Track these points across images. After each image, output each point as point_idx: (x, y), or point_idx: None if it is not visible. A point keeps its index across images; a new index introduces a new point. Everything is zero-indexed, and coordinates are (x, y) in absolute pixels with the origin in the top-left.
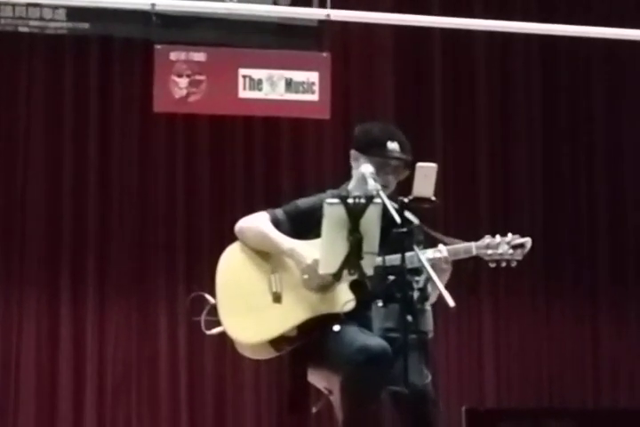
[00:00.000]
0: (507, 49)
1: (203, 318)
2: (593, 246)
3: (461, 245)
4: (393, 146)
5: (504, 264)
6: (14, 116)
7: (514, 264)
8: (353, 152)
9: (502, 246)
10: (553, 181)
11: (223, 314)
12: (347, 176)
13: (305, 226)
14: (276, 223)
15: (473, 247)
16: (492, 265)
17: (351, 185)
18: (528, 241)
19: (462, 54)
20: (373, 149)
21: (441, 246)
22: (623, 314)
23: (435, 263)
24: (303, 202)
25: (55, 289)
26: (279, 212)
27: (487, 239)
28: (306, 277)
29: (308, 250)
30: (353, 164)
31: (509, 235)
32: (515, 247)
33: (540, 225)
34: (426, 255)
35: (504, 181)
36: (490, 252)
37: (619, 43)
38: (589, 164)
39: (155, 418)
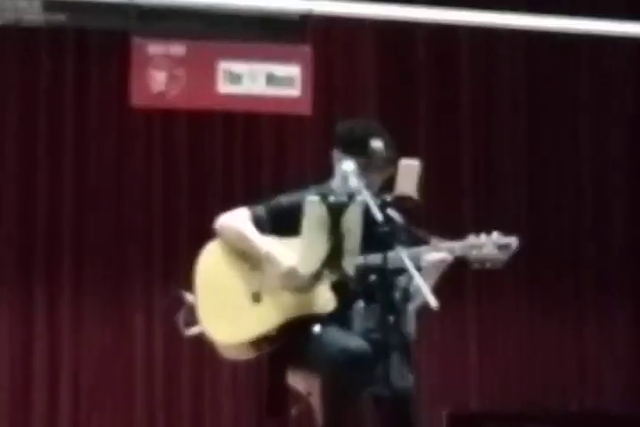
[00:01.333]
0: (492, 46)
1: (181, 318)
2: (578, 248)
3: (444, 246)
4: (376, 144)
5: (488, 265)
6: None
7: (499, 266)
8: (335, 152)
9: (487, 247)
10: (538, 181)
11: (202, 314)
12: (328, 172)
13: (286, 223)
14: (257, 220)
15: (456, 248)
16: (477, 266)
17: (333, 183)
18: (513, 241)
19: (447, 50)
20: (356, 149)
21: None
22: (607, 317)
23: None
24: (285, 199)
25: (29, 289)
26: (260, 209)
27: (471, 239)
28: (279, 282)
29: (285, 253)
30: (335, 163)
31: (495, 233)
32: (500, 248)
33: (525, 226)
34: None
35: (488, 179)
36: (474, 252)
37: (605, 38)
38: (576, 163)
39: (130, 420)
